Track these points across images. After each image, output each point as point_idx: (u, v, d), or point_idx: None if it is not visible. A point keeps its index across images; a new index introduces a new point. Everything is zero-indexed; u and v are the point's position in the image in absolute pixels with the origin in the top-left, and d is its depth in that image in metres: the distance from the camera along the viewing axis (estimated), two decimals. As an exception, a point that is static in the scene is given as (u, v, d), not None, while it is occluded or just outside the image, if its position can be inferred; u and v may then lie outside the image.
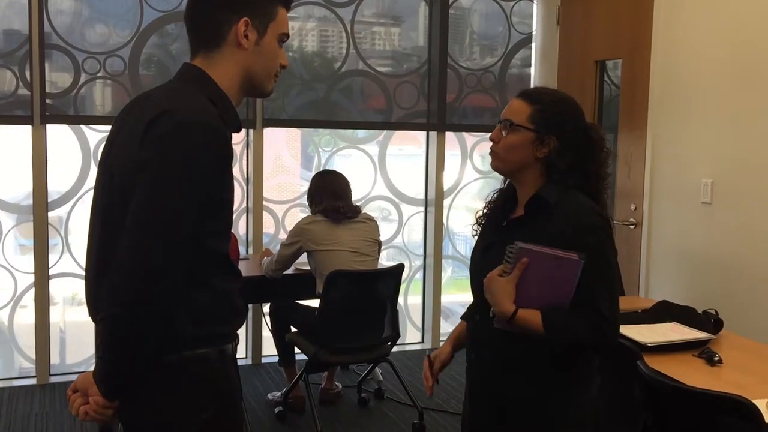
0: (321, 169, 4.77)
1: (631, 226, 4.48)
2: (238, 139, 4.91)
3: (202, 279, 1.57)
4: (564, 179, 1.92)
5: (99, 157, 1.74)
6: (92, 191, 1.73)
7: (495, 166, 2.01)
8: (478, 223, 2.12)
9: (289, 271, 4.14)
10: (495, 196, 2.11)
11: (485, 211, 2.12)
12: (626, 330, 2.77)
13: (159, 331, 1.51)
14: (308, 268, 4.02)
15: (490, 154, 2.00)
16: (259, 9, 1.67)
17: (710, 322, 2.94)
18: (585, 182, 1.94)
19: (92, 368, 1.60)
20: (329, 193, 3.94)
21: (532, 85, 5.37)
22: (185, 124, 1.51)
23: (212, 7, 1.66)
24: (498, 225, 2.03)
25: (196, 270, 1.54)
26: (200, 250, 1.54)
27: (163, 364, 1.56)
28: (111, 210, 1.59)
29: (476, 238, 2.12)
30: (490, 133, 2.00)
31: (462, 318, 2.25)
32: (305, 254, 3.94)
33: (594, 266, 1.84)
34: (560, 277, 1.84)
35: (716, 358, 2.59)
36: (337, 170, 4.21)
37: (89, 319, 1.70)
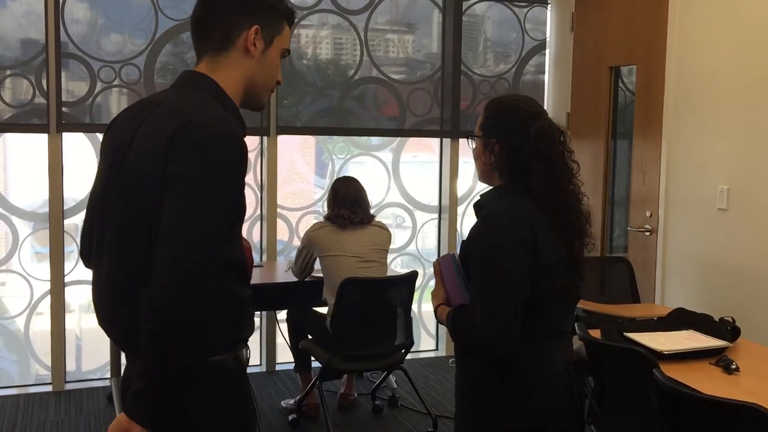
0: (336, 176, 4.78)
1: (647, 233, 4.45)
2: (252, 146, 4.93)
3: (225, 287, 1.57)
4: (509, 182, 1.98)
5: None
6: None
7: (479, 179, 2.11)
8: None
9: (304, 278, 4.16)
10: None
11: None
12: (642, 337, 2.76)
13: (202, 343, 1.50)
14: (321, 275, 4.03)
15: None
16: (269, 20, 1.69)
17: (727, 329, 2.91)
18: (528, 185, 1.93)
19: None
20: (338, 200, 3.96)
21: (546, 92, 5.38)
22: (212, 134, 1.52)
23: (226, 9, 1.67)
24: None
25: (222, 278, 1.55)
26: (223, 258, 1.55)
27: (201, 371, 1.55)
28: (130, 222, 1.57)
29: None
30: None
31: None
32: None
33: (475, 269, 1.90)
34: (448, 274, 2.03)
35: (733, 366, 2.56)
36: (352, 177, 4.22)
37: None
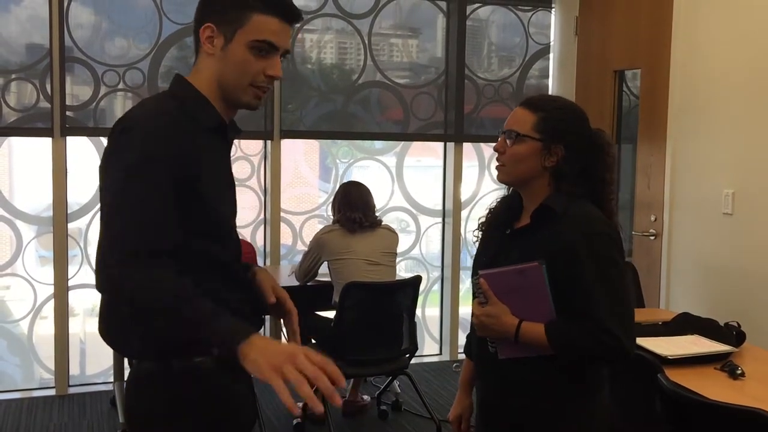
0: (342, 181, 4.78)
1: (651, 237, 4.44)
2: (256, 150, 4.93)
3: (203, 286, 1.54)
4: (571, 188, 1.89)
5: None
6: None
7: (502, 179, 1.98)
8: (479, 229, 2.11)
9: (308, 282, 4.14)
10: (497, 203, 2.09)
11: (488, 217, 2.09)
12: (647, 342, 2.74)
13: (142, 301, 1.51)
14: (327, 279, 4.02)
15: (497, 167, 1.96)
16: (226, 15, 1.65)
17: (732, 334, 2.90)
18: (592, 190, 1.92)
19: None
20: (347, 204, 3.96)
21: (550, 96, 5.35)
22: (128, 127, 1.57)
23: (196, 11, 1.72)
24: (502, 235, 2.01)
25: (186, 271, 1.52)
26: (187, 249, 1.55)
27: (161, 373, 1.60)
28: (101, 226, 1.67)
29: (477, 244, 2.11)
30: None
31: (464, 352, 2.24)
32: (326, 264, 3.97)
33: (599, 276, 1.81)
34: (531, 287, 1.84)
35: (738, 372, 2.55)
36: (359, 181, 4.21)
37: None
